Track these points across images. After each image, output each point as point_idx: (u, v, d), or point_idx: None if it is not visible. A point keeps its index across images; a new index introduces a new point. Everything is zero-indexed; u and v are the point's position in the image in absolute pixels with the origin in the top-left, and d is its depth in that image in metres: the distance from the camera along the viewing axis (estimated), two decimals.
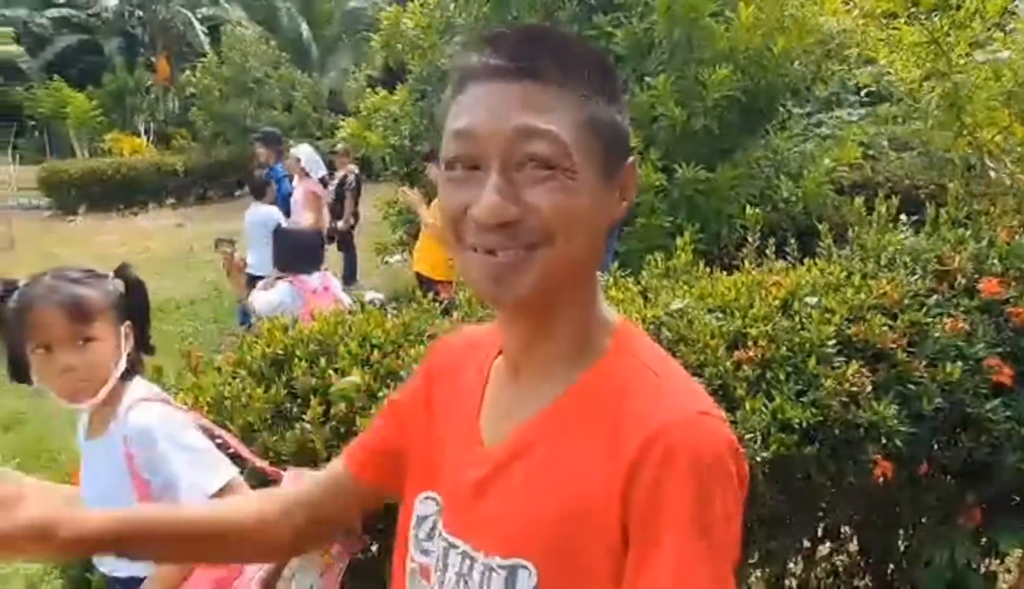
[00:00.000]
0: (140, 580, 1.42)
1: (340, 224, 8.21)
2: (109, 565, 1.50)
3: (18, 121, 20.69)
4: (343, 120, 8.05)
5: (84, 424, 1.55)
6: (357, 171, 8.35)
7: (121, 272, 1.51)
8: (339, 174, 8.47)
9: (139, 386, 1.51)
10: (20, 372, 1.42)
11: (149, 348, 1.56)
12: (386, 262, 8.05)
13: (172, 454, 1.43)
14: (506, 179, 0.68)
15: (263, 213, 5.96)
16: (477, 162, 0.70)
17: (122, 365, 1.46)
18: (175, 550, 0.94)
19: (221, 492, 1.42)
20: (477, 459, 0.78)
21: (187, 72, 17.52)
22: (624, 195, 0.76)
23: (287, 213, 6.50)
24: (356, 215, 8.39)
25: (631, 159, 0.75)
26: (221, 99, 15.97)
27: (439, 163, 0.76)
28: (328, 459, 1.59)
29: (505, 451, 0.76)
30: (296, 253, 3.84)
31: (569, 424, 0.73)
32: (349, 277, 8.51)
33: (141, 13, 23.30)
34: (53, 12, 23.67)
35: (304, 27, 22.41)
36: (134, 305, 1.49)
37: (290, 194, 6.86)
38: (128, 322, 1.48)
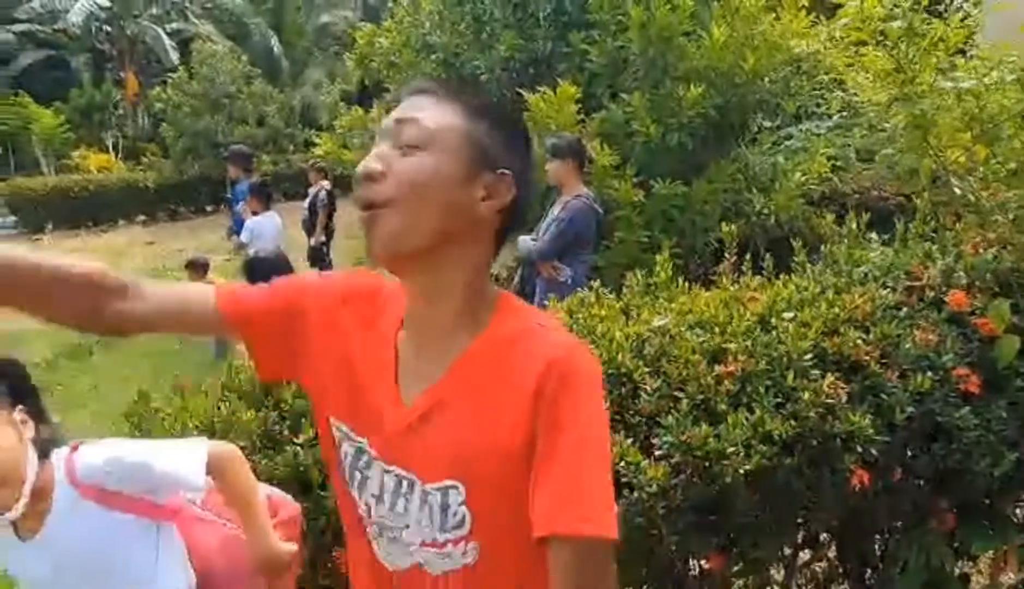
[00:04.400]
0: None
1: (312, 240, 8.19)
2: None
3: None
4: (317, 136, 8.03)
5: (8, 533, 1.36)
6: (329, 187, 8.34)
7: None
8: (312, 190, 8.45)
9: (57, 457, 1.38)
10: None
11: (46, 419, 1.41)
12: None
13: (133, 477, 1.36)
14: (384, 150, 0.90)
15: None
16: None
17: (32, 455, 1.33)
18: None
19: (212, 462, 1.38)
20: (402, 416, 0.95)
21: (156, 88, 17.35)
22: (489, 198, 0.93)
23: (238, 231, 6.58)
24: (329, 231, 8.37)
25: (504, 176, 0.94)
26: (192, 115, 15.82)
27: None
28: (323, 485, 1.61)
29: (423, 405, 0.94)
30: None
31: (473, 378, 0.92)
32: None
33: (109, 28, 23.02)
34: (17, 28, 23.30)
35: (275, 42, 22.33)
36: (15, 388, 1.36)
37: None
38: (19, 407, 1.36)
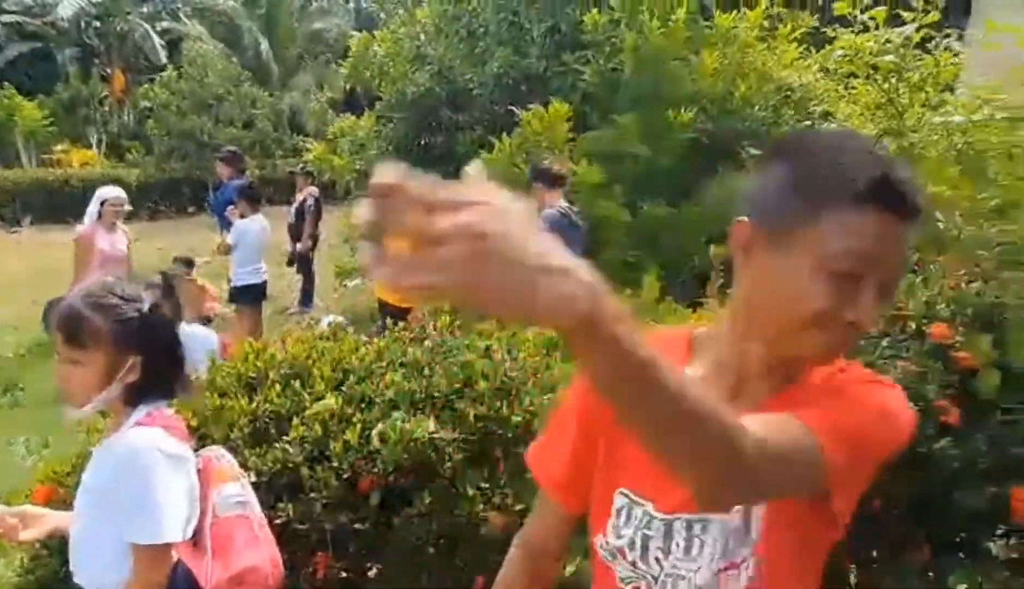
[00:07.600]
0: None
1: (299, 246, 8.16)
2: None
3: None
4: (307, 142, 8.02)
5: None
6: (317, 194, 8.32)
7: (152, 308, 1.48)
8: (299, 197, 8.42)
9: (144, 414, 1.48)
10: None
11: (166, 388, 1.51)
12: (345, 286, 7.99)
13: (132, 483, 1.40)
14: (866, 294, 0.89)
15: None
16: (859, 274, 0.89)
17: (111, 392, 1.45)
18: None
19: (148, 549, 1.39)
20: None
21: (144, 86, 17.26)
22: None
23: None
24: (315, 237, 8.34)
25: None
26: (178, 114, 15.73)
27: (811, 256, 0.91)
28: (313, 487, 1.59)
29: None
30: None
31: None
32: (306, 300, 8.42)
33: (98, 24, 22.88)
34: (6, 19, 23.07)
35: (265, 46, 22.30)
36: (150, 342, 1.45)
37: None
38: (139, 357, 1.45)
